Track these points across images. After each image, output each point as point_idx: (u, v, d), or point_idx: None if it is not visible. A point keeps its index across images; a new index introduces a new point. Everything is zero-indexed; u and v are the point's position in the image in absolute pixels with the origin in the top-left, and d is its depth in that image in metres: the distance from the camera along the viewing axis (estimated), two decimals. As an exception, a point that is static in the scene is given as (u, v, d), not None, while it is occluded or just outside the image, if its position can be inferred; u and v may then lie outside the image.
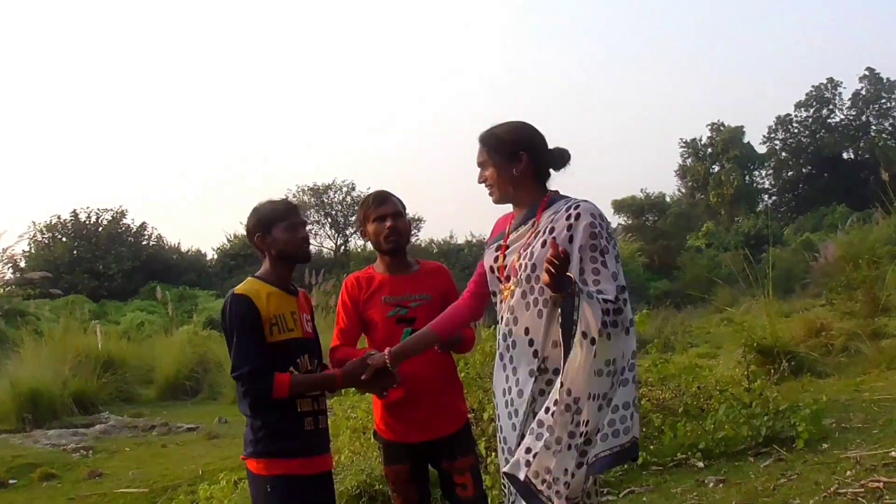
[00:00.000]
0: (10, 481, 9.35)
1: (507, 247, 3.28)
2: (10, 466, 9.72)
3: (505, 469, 3.19)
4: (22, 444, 11.11)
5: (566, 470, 3.00)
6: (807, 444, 6.88)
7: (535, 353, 3.22)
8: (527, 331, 3.23)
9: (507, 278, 3.26)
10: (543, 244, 3.12)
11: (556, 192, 3.34)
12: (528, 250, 3.18)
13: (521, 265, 3.19)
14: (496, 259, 3.34)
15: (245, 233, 4.12)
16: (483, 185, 3.43)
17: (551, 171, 3.40)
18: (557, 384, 3.04)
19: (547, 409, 3.06)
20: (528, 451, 3.09)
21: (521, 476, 3.09)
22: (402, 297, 4.24)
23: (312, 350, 3.97)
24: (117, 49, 78.22)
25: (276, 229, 3.89)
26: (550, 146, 3.43)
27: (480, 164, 3.42)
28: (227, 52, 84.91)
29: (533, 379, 3.22)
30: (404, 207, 4.46)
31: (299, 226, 3.98)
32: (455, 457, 4.14)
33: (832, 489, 5.66)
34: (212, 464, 9.30)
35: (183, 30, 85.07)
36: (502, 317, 3.28)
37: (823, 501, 5.48)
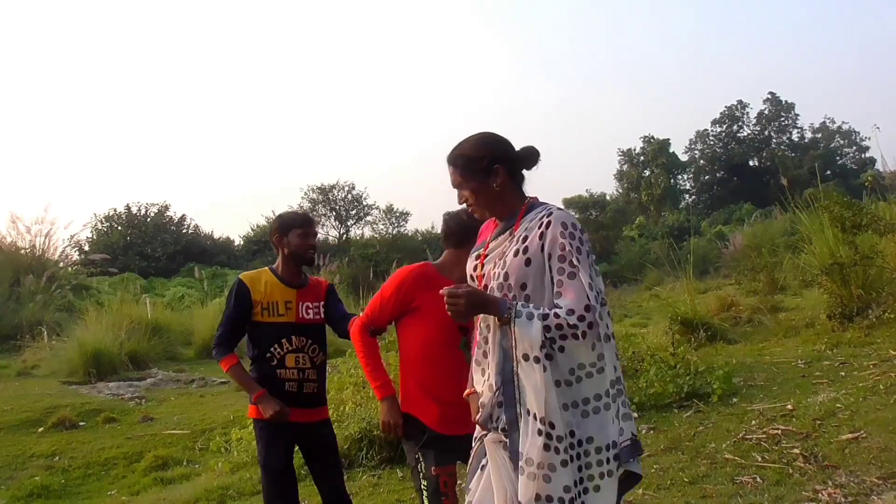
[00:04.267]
0: (80, 423, 9.37)
1: (486, 255, 2.71)
2: (80, 411, 9.75)
3: None
4: (88, 393, 11.11)
5: (566, 487, 2.42)
6: (720, 399, 6.95)
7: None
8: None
9: (486, 287, 2.66)
10: (516, 253, 2.57)
11: (535, 198, 2.74)
12: (502, 259, 2.61)
13: (495, 274, 2.62)
14: (475, 268, 2.76)
15: (269, 230, 4.27)
16: (465, 204, 2.80)
17: (524, 172, 2.76)
18: (526, 416, 2.49)
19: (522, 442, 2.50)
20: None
21: None
22: None
23: (307, 333, 4.14)
24: (153, 76, 77.85)
25: (292, 234, 4.12)
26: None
27: (457, 186, 2.78)
28: (256, 77, 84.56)
29: None
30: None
31: (310, 235, 4.17)
32: None
33: (741, 435, 5.72)
34: (240, 411, 9.27)
35: (219, 55, 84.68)
36: (479, 325, 2.71)
37: (734, 445, 5.51)
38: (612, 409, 2.49)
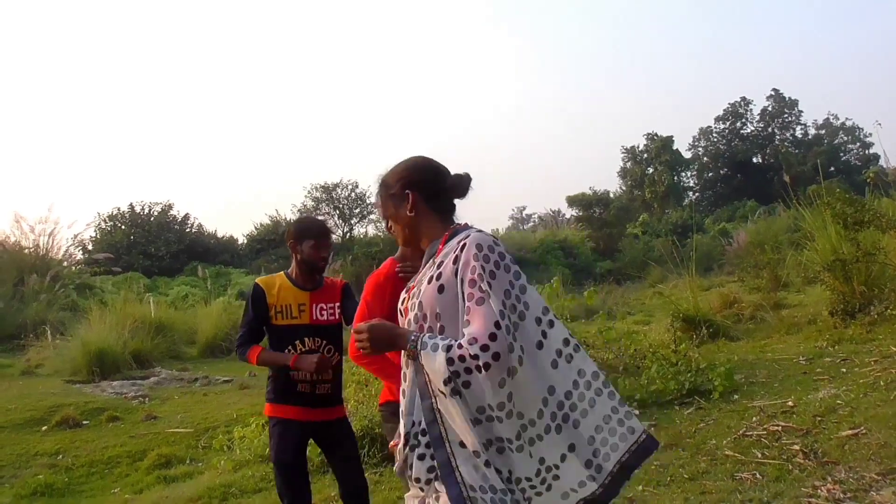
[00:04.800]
0: (84, 422, 9.40)
1: (414, 286, 2.49)
2: (83, 410, 9.77)
3: None
4: (92, 392, 11.15)
5: None
6: (721, 396, 6.95)
7: None
8: None
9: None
10: (430, 280, 2.37)
11: (462, 224, 2.52)
12: (418, 288, 2.43)
13: (412, 304, 2.43)
14: (403, 300, 2.54)
15: (285, 231, 4.44)
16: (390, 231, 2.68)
17: (456, 201, 2.58)
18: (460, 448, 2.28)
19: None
20: None
21: None
22: None
23: (322, 334, 4.26)
24: (156, 76, 77.93)
25: (305, 243, 4.22)
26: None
27: (382, 211, 2.67)
28: (261, 76, 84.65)
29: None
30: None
31: (323, 247, 4.26)
32: None
33: (741, 432, 5.73)
34: (243, 409, 9.33)
35: (223, 55, 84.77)
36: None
37: (734, 442, 5.53)
38: (549, 435, 2.26)
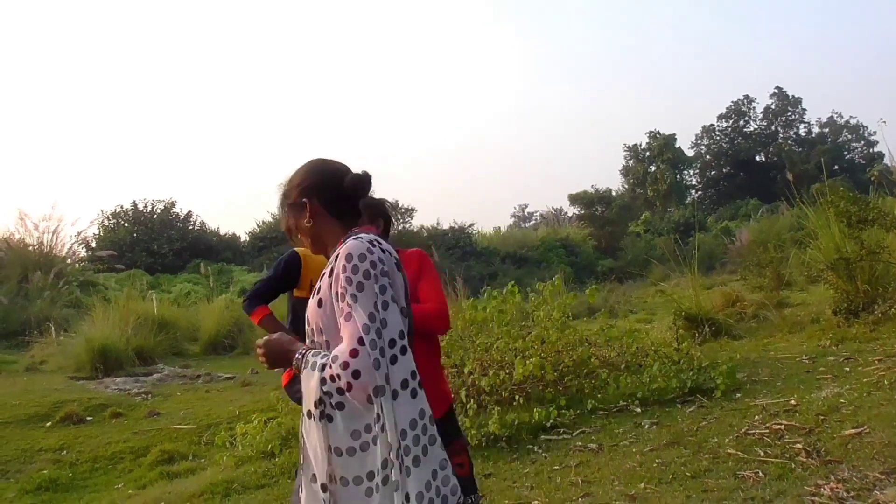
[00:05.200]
0: (87, 418, 9.43)
1: None
2: (87, 406, 9.80)
3: None
4: (95, 388, 11.19)
5: None
6: (723, 394, 6.93)
7: None
8: None
9: None
10: (313, 294, 2.26)
11: (366, 229, 2.34)
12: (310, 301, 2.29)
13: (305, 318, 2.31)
14: None
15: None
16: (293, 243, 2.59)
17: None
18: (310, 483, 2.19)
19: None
20: None
21: None
22: None
23: None
24: (159, 74, 78.02)
25: None
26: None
27: (283, 222, 2.52)
28: (263, 73, 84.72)
29: None
30: None
31: None
32: (450, 440, 3.04)
33: (743, 430, 5.71)
34: (246, 406, 9.36)
35: (225, 53, 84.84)
36: None
37: (736, 440, 5.52)
38: (388, 488, 2.07)
